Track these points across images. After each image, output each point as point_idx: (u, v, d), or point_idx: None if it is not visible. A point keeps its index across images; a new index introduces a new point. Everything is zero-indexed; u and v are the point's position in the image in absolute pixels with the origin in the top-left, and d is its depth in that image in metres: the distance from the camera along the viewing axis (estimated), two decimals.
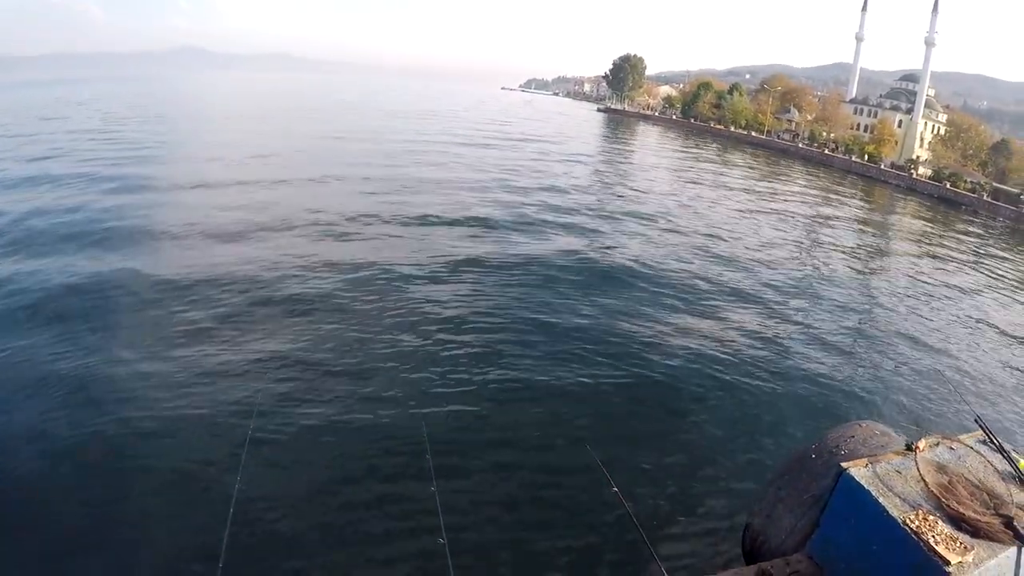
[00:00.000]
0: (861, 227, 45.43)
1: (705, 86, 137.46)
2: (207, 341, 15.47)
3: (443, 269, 21.90)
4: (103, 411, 12.16)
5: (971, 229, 56.71)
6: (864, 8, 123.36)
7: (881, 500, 5.14)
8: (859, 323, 22.23)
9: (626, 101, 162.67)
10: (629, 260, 25.32)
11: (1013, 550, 4.79)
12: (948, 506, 5.08)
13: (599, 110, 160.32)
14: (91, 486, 10.16)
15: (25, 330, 15.63)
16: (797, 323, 20.79)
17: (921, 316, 24.57)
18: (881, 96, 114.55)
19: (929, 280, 31.34)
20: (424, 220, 28.39)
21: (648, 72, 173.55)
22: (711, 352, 17.18)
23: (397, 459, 11.10)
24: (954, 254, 40.95)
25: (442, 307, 18.57)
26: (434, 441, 8.94)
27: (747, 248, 30.79)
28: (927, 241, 44.97)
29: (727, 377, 15.81)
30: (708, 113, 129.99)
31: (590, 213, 33.17)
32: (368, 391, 13.52)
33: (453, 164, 45.32)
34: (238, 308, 17.50)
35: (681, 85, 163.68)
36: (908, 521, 4.88)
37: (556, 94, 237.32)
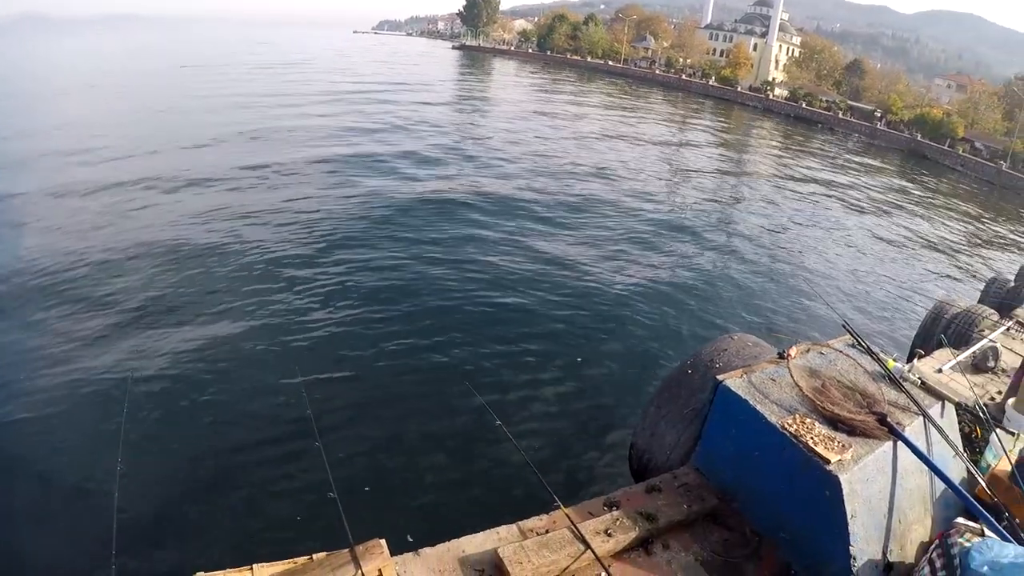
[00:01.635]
0: (720, 147, 46.47)
1: (560, 18, 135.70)
2: (71, 311, 14.84)
3: (298, 216, 21.12)
4: None
5: (828, 145, 59.34)
6: None
7: (758, 407, 5.19)
8: (723, 240, 22.65)
9: (481, 37, 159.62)
10: (493, 193, 24.96)
11: (889, 444, 4.86)
12: (823, 408, 5.16)
13: (455, 47, 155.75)
14: None
15: None
16: (663, 244, 21.00)
17: (783, 229, 25.45)
18: (736, 21, 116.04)
19: (790, 194, 32.73)
20: (283, 172, 26.97)
21: (502, 7, 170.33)
22: (581, 279, 17.17)
23: (278, 417, 10.72)
24: (813, 169, 42.38)
25: (301, 257, 17.86)
26: (312, 394, 9.04)
27: (609, 173, 30.81)
28: (785, 158, 46.07)
29: (597, 303, 15.81)
30: (564, 45, 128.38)
31: (450, 154, 32.29)
32: (241, 349, 13.14)
33: (306, 122, 41.26)
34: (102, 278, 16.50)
35: (536, 18, 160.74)
36: (786, 425, 4.94)
37: (410, 34, 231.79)
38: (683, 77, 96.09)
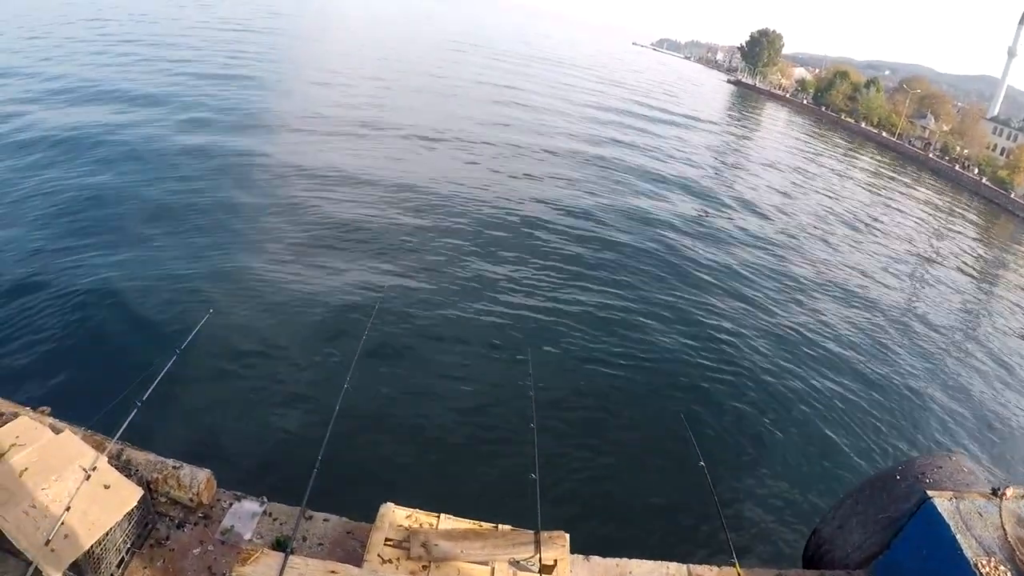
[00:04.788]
0: (978, 255, 43.61)
1: (842, 75, 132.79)
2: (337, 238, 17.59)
3: (561, 231, 22.56)
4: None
5: None
6: (1022, 21, 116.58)
7: (958, 537, 5.10)
8: (962, 354, 21.82)
9: (758, 77, 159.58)
10: (743, 256, 25.49)
11: None
12: (1021, 561, 5.03)
13: (729, 81, 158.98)
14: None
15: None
16: (900, 344, 20.52)
17: None
18: None
19: None
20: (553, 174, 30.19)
21: (784, 51, 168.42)
22: (812, 356, 17.40)
23: (500, 387, 11.70)
24: None
25: (559, 266, 19.04)
26: (538, 378, 8.79)
27: (861, 260, 30.37)
28: None
29: (825, 384, 15.92)
30: (841, 104, 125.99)
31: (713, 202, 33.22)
32: (480, 313, 14.39)
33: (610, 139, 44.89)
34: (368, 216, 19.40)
35: (817, 70, 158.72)
36: (980, 565, 4.81)
37: (688, 58, 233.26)
38: (957, 168, 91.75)
